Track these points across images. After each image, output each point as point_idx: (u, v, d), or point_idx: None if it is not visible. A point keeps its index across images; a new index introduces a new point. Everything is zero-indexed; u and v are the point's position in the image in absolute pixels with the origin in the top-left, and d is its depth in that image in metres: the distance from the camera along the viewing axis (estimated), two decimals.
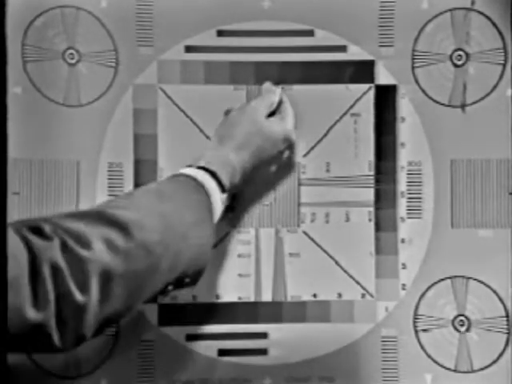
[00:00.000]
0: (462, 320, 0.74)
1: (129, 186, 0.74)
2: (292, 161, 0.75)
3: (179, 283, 0.59)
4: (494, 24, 0.75)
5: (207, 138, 0.75)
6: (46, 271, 0.46)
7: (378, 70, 0.75)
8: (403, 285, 0.75)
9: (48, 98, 0.73)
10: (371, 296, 0.75)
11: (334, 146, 0.75)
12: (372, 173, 0.75)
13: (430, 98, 0.75)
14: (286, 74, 0.75)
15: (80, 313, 0.48)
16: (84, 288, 0.48)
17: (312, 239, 0.75)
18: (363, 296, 0.75)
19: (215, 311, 0.75)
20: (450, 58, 0.75)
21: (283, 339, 0.75)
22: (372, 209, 0.75)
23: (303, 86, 0.75)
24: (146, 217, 0.55)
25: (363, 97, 0.76)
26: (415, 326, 0.75)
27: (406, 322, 0.75)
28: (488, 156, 0.75)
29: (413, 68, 0.75)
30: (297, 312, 0.75)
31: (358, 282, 0.75)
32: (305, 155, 0.75)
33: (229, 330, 0.75)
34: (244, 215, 0.75)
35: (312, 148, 0.75)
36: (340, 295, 0.75)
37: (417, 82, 0.75)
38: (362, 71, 0.75)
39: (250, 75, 0.75)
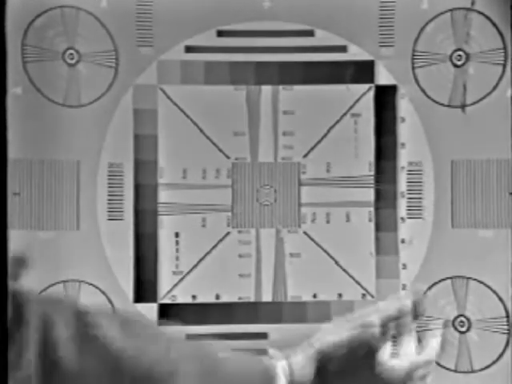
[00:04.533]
0: (462, 320, 0.74)
1: (129, 186, 0.74)
2: None
3: None
4: (494, 24, 0.75)
5: (207, 138, 0.75)
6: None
7: (378, 70, 0.75)
8: (403, 285, 0.75)
9: (48, 99, 0.73)
10: (371, 296, 0.75)
11: (334, 146, 0.75)
12: (372, 173, 0.75)
13: (430, 98, 0.75)
14: (286, 74, 0.75)
15: None
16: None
17: (312, 239, 0.75)
18: (363, 296, 0.75)
19: (215, 311, 0.75)
20: (450, 58, 0.75)
21: (283, 339, 0.74)
22: (372, 209, 0.75)
23: (303, 87, 0.75)
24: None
25: (363, 97, 0.76)
26: (415, 327, 0.74)
27: None
28: (488, 156, 0.75)
29: (413, 68, 0.75)
30: (297, 312, 0.75)
31: (358, 282, 0.75)
32: (305, 155, 0.75)
33: (229, 330, 0.75)
34: None
35: (312, 148, 0.75)
36: (340, 295, 0.75)
37: (417, 82, 0.75)
38: (362, 71, 0.75)
39: (250, 75, 0.75)
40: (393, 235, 0.75)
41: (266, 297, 0.75)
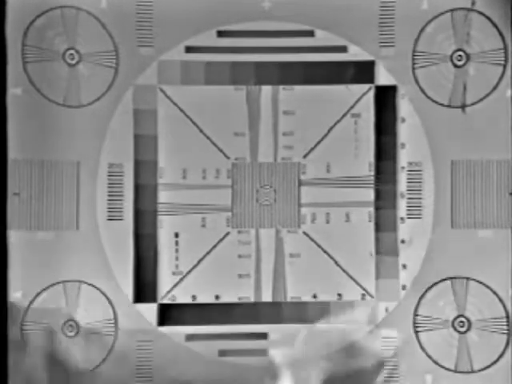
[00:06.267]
0: (462, 321, 0.74)
1: (129, 186, 0.74)
2: None
3: None
4: (495, 24, 0.75)
5: (207, 138, 0.75)
6: None
7: (378, 70, 0.75)
8: (403, 285, 0.75)
9: (48, 99, 0.73)
10: (371, 296, 0.75)
11: (334, 146, 0.75)
12: (372, 173, 0.75)
13: (430, 98, 0.75)
14: (286, 75, 0.75)
15: None
16: None
17: (312, 239, 0.75)
18: (363, 296, 0.75)
19: (215, 311, 0.75)
20: (451, 58, 0.75)
21: (283, 340, 0.75)
22: (372, 209, 0.75)
23: (303, 87, 0.75)
24: None
25: (363, 97, 0.76)
26: (415, 327, 0.75)
27: (406, 322, 0.75)
28: (488, 156, 0.75)
29: (413, 68, 0.75)
30: (297, 312, 0.75)
31: (357, 283, 0.75)
32: (305, 156, 0.75)
33: (229, 330, 0.75)
34: None
35: (312, 149, 0.75)
36: (340, 296, 0.75)
37: (417, 82, 0.75)
38: (362, 71, 0.75)
39: (250, 75, 0.75)
40: (393, 235, 0.75)
41: (266, 297, 0.75)
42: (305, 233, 0.75)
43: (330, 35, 0.75)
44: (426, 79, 0.75)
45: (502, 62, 0.75)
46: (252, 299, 0.75)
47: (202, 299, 0.75)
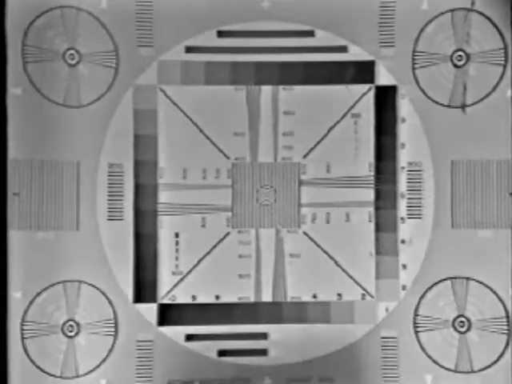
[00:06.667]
0: (462, 321, 0.74)
1: (129, 186, 0.74)
2: None
3: None
4: (495, 24, 0.75)
5: (207, 138, 0.75)
6: None
7: (378, 70, 0.75)
8: (403, 285, 0.75)
9: (48, 99, 0.73)
10: (371, 297, 0.75)
11: (334, 146, 0.75)
12: (372, 173, 0.75)
13: (430, 98, 0.75)
14: (287, 75, 0.75)
15: None
16: None
17: (312, 240, 0.75)
18: (363, 297, 0.75)
19: (215, 311, 0.75)
20: (451, 58, 0.75)
21: (283, 340, 0.75)
22: (372, 209, 0.75)
23: (303, 87, 0.75)
24: None
25: (363, 97, 0.76)
26: (415, 327, 0.75)
27: (406, 322, 0.75)
28: (488, 157, 0.75)
29: (413, 68, 0.75)
30: (297, 313, 0.75)
31: (357, 283, 0.75)
32: (305, 156, 0.75)
33: (229, 330, 0.75)
34: None
35: (312, 149, 0.75)
36: (340, 296, 0.75)
37: (417, 82, 0.75)
38: (362, 71, 0.75)
39: (250, 76, 0.75)
40: (393, 235, 0.75)
41: (266, 297, 0.75)
42: (305, 233, 0.75)
43: (330, 35, 0.75)
44: (425, 79, 0.75)
45: (502, 62, 0.75)
46: (252, 299, 0.75)
47: (202, 299, 0.75)
